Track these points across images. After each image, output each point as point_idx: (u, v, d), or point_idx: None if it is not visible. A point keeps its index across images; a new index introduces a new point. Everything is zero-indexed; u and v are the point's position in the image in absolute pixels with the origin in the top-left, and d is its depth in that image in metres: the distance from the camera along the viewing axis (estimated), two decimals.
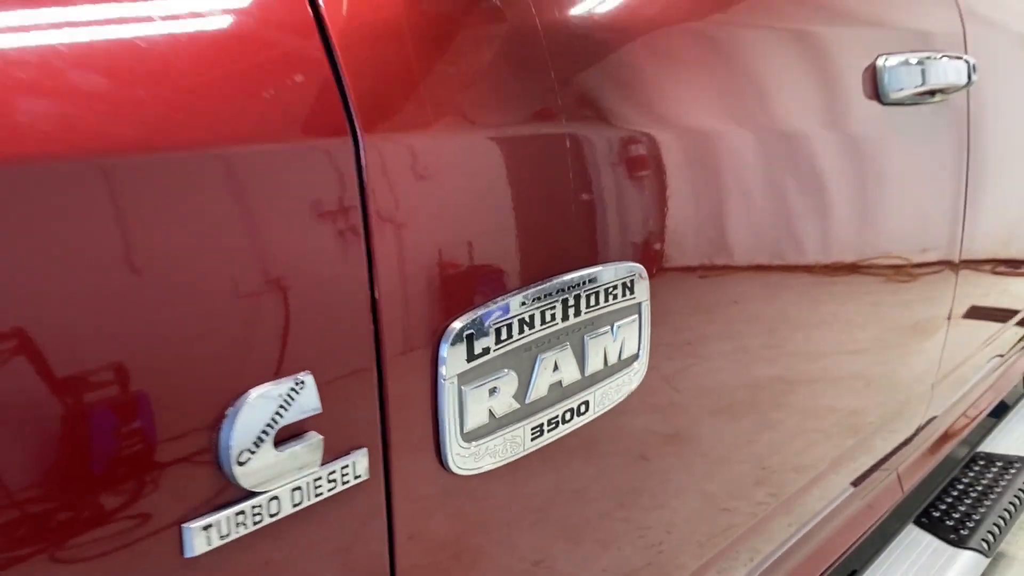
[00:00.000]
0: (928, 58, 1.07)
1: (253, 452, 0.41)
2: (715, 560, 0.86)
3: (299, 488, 0.44)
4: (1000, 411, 2.23)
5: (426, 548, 0.53)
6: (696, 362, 0.74)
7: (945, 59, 1.11)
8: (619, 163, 0.63)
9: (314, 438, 0.44)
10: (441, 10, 0.52)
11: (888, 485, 1.37)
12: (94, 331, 0.36)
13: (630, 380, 0.65)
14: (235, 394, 0.40)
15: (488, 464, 0.55)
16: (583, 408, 0.60)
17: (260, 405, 0.41)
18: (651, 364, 0.66)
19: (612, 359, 0.62)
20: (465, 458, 0.53)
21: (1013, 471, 1.85)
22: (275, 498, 0.43)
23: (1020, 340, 1.92)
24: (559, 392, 0.58)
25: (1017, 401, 2.30)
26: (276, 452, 0.42)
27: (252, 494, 0.42)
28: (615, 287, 0.62)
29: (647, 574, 0.74)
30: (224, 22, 0.43)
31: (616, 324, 0.62)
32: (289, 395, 0.42)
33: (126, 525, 0.38)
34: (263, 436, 0.41)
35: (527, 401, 0.56)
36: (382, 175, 0.46)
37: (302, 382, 0.43)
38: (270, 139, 0.42)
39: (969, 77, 1.15)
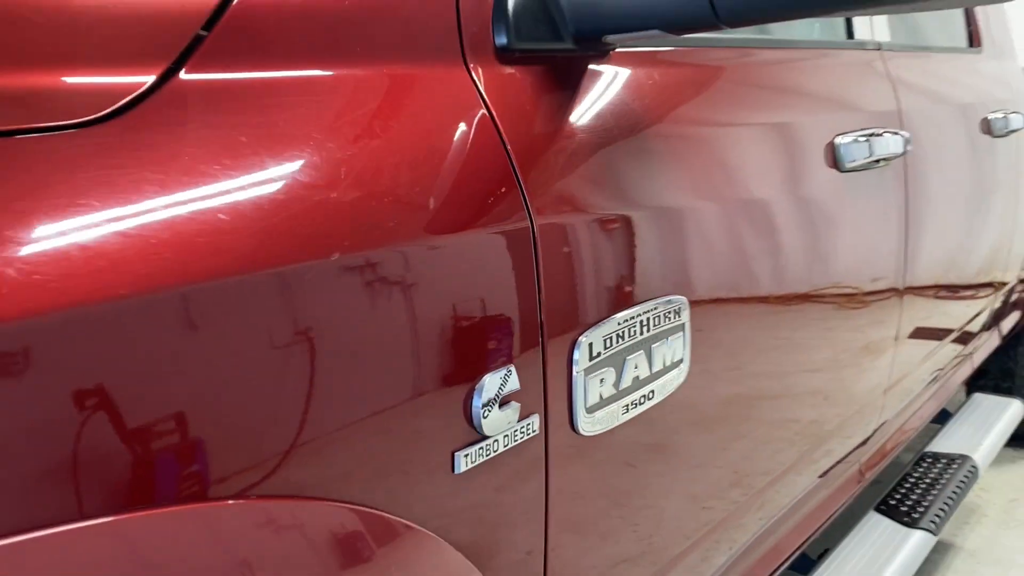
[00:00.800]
0: (872, 135, 1.40)
1: (489, 411, 0.70)
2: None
3: (507, 435, 0.72)
4: (943, 418, 2.58)
5: (565, 479, 0.82)
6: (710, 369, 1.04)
7: (886, 134, 1.44)
8: (661, 231, 0.93)
9: (515, 405, 0.72)
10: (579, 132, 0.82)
11: (850, 476, 1.68)
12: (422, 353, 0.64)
13: (679, 376, 0.94)
14: (480, 377, 0.69)
15: (599, 430, 0.84)
16: (656, 391, 0.90)
17: (492, 383, 0.70)
18: (692, 368, 0.96)
19: (668, 362, 0.92)
20: (587, 424, 0.82)
21: (955, 466, 2.18)
22: (496, 440, 0.71)
23: (957, 356, 2.25)
24: (644, 382, 0.88)
25: (958, 408, 2.65)
26: (499, 411, 0.71)
27: (486, 437, 0.70)
28: (666, 313, 0.91)
29: (699, 502, 1.04)
30: (424, 146, 0.71)
31: (669, 338, 0.92)
32: (504, 378, 0.71)
33: (428, 452, 0.66)
34: (493, 401, 0.70)
35: (620, 388, 0.86)
36: (548, 242, 0.76)
37: (511, 371, 0.72)
38: (484, 227, 0.71)
39: (904, 147, 1.48)
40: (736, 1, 0.77)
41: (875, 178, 1.44)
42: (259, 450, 0.55)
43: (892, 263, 1.54)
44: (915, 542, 1.83)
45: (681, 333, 0.94)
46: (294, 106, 0.63)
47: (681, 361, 0.95)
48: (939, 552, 2.59)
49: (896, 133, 1.45)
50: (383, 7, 0.72)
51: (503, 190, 0.73)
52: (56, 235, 0.47)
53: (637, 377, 0.88)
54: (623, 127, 0.90)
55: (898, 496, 2.01)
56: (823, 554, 1.76)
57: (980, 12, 2.24)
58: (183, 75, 0.58)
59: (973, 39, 2.22)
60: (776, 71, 1.25)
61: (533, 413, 0.75)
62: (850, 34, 1.54)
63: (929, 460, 2.23)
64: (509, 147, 0.75)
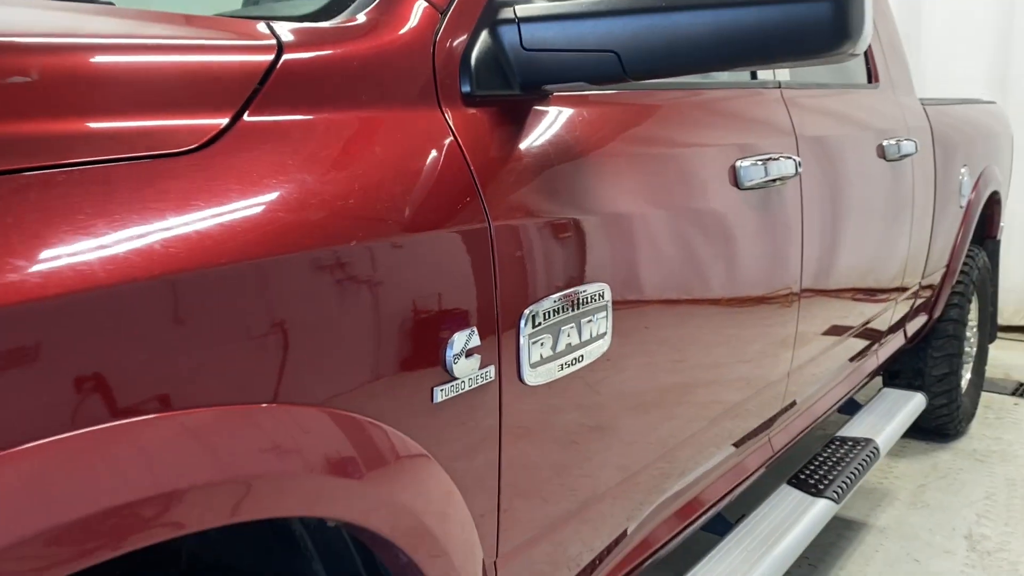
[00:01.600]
0: (769, 159, 1.70)
1: (457, 360, 0.96)
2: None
3: (471, 378, 0.99)
4: (855, 409, 2.90)
5: (515, 417, 1.08)
6: (641, 349, 1.32)
7: (782, 159, 1.75)
8: (590, 232, 1.21)
9: (477, 357, 0.99)
10: (527, 154, 1.10)
11: (761, 446, 1.98)
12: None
13: (602, 344, 1.22)
14: (452, 335, 0.96)
15: (540, 381, 1.11)
16: (592, 352, 1.17)
17: (459, 340, 0.96)
18: (613, 341, 1.23)
19: (593, 334, 1.19)
20: (530, 377, 1.09)
21: (859, 447, 2.49)
22: (463, 381, 0.98)
23: (860, 351, 2.57)
24: (575, 348, 1.15)
25: (868, 401, 2.98)
26: (465, 360, 0.97)
27: (456, 378, 0.97)
28: (593, 296, 1.19)
29: (619, 457, 1.31)
30: (412, 166, 0.98)
31: (595, 316, 1.19)
32: (468, 336, 0.98)
33: (416, 385, 0.92)
34: (460, 353, 0.97)
35: (556, 351, 1.13)
36: (502, 239, 1.03)
37: (473, 331, 0.98)
38: (454, 226, 0.98)
39: (796, 169, 1.78)
40: (639, 64, 1.05)
41: (774, 196, 1.74)
42: (319, 369, 0.81)
43: (789, 268, 1.84)
44: (819, 509, 2.13)
45: (605, 312, 1.21)
46: (320, 138, 0.89)
47: (605, 334, 1.22)
48: (853, 530, 2.91)
49: (790, 158, 1.75)
50: (382, 66, 0.99)
51: (468, 199, 1.00)
52: (183, 220, 0.73)
53: (569, 344, 1.15)
54: (560, 153, 1.18)
55: (808, 471, 2.32)
56: (740, 519, 2.05)
57: (878, 53, 2.58)
58: (246, 118, 0.84)
59: (871, 76, 2.56)
60: (686, 108, 1.54)
61: (490, 364, 1.02)
62: (754, 75, 1.84)
63: (838, 443, 2.54)
64: (472, 169, 1.02)
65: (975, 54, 5.30)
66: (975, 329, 3.86)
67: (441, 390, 0.95)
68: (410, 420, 0.92)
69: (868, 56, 2.55)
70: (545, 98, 1.19)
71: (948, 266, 3.28)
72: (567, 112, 1.23)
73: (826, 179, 1.97)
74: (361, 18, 1.03)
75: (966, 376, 3.79)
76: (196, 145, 0.79)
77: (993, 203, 3.80)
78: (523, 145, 1.12)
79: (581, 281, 1.17)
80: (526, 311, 1.07)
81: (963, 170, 3.23)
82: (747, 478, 1.93)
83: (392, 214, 0.91)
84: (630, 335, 1.29)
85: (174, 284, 0.70)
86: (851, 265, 2.21)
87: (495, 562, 1.12)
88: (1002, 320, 5.43)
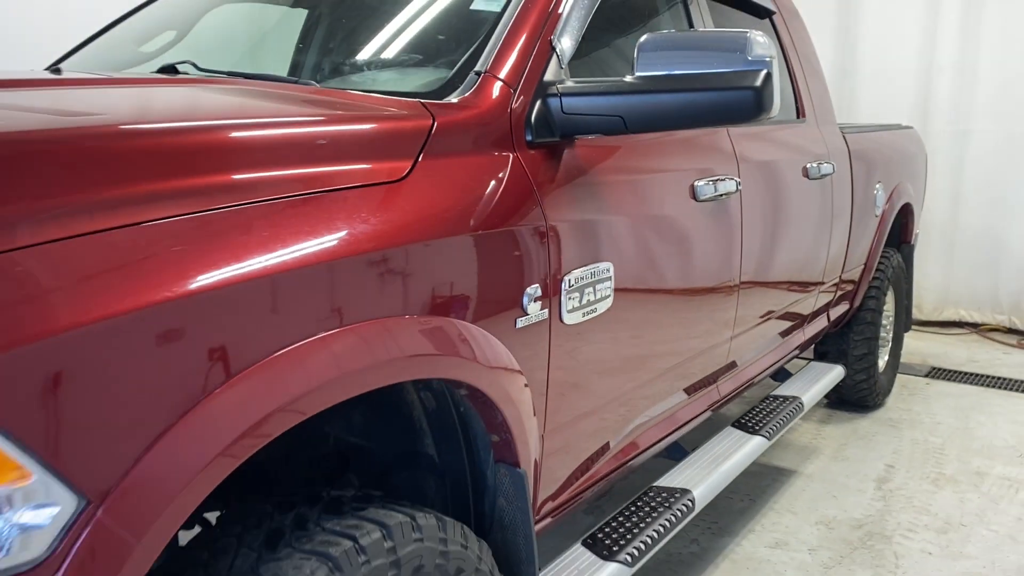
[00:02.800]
0: (718, 180, 2.38)
1: (529, 303, 1.61)
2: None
3: (536, 314, 1.64)
4: (785, 376, 3.61)
5: (557, 343, 1.74)
6: (626, 306, 1.98)
7: (726, 179, 2.42)
8: (604, 228, 1.87)
9: (540, 303, 1.64)
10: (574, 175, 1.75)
11: (710, 391, 2.65)
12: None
13: (607, 302, 1.88)
14: (527, 288, 1.61)
15: (572, 322, 1.76)
16: (601, 305, 1.83)
17: (531, 291, 1.62)
18: (614, 301, 1.89)
19: (603, 295, 1.85)
20: (567, 318, 1.74)
21: (788, 402, 3.18)
22: (532, 316, 1.63)
23: (789, 327, 3.27)
24: (592, 303, 1.81)
25: (799, 370, 3.69)
26: (533, 303, 1.62)
27: (528, 314, 1.62)
28: (603, 269, 1.85)
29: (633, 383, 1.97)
30: (504, 186, 1.63)
31: (605, 283, 1.85)
32: (535, 289, 1.63)
33: (507, 316, 1.57)
34: (531, 298, 1.62)
35: (581, 304, 1.78)
36: (553, 232, 1.68)
37: (537, 287, 1.64)
38: (525, 224, 1.63)
39: (738, 186, 2.46)
40: (636, 124, 1.71)
41: (721, 207, 2.42)
42: (463, 303, 1.46)
43: (731, 265, 2.52)
44: (755, 443, 2.82)
45: (609, 282, 1.88)
46: (456, 170, 1.54)
47: (609, 296, 1.88)
48: (785, 475, 3.61)
49: (732, 178, 2.43)
50: (482, 125, 1.64)
51: (534, 207, 1.66)
52: (386, 225, 1.37)
53: (589, 300, 1.81)
54: (585, 177, 1.84)
55: (747, 417, 3.01)
56: (695, 449, 2.73)
57: (804, 95, 3.29)
58: (420, 160, 1.49)
59: (799, 113, 3.27)
60: (664, 145, 2.21)
61: (546, 308, 1.67)
62: None
63: (772, 399, 3.24)
64: (536, 188, 1.68)
65: (903, 85, 6.08)
66: (892, 319, 4.60)
67: (520, 320, 1.60)
68: (503, 336, 1.57)
69: (797, 97, 3.26)
70: (573, 142, 1.85)
71: (866, 265, 4.01)
72: (588, 151, 1.89)
73: (760, 194, 2.65)
74: (468, 94, 1.68)
75: (884, 358, 4.54)
76: (400, 177, 1.44)
77: (906, 213, 4.55)
78: (563, 172, 1.78)
79: (597, 260, 1.83)
80: (566, 277, 1.73)
81: (878, 186, 3.96)
82: (700, 414, 2.61)
83: (494, 214, 1.56)
84: (624, 299, 1.96)
85: (398, 251, 1.35)
86: (779, 261, 2.90)
87: (542, 435, 1.77)
88: (923, 316, 6.25)
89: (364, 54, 2.08)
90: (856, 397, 4.31)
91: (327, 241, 1.26)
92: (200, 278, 1.06)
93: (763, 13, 3.13)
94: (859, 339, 4.13)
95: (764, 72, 1.69)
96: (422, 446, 1.72)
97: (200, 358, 1.05)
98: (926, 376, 5.08)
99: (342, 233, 1.29)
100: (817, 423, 4.26)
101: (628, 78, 1.74)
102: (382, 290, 1.33)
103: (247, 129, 1.34)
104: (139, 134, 1.19)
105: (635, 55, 1.74)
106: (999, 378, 5.03)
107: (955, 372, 5.15)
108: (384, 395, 1.61)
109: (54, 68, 2.05)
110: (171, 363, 1.03)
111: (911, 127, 5.02)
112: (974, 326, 6.15)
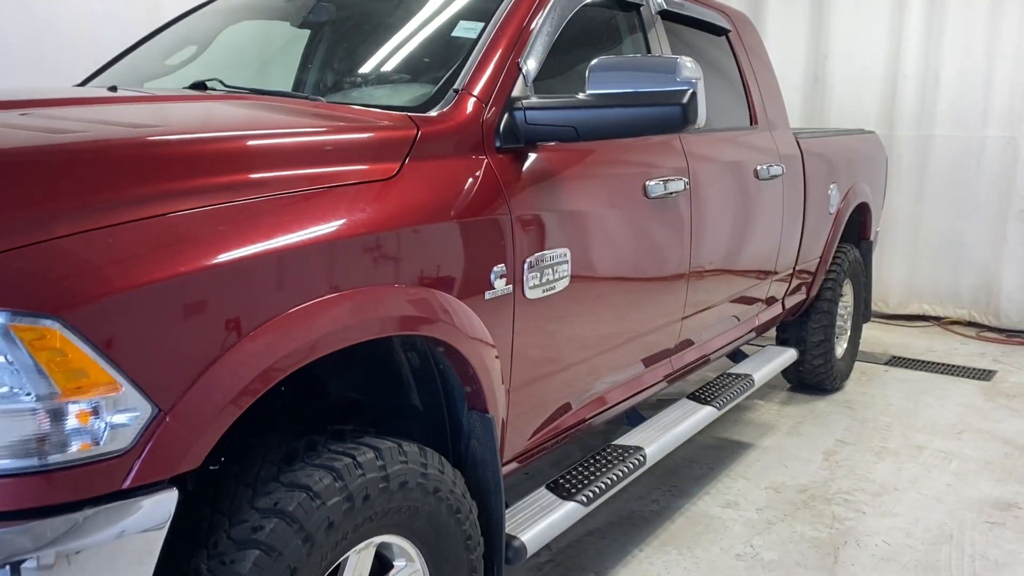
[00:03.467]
0: (668, 179, 2.75)
1: (495, 280, 1.98)
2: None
3: (501, 290, 2.01)
4: (741, 357, 3.98)
5: (520, 314, 2.11)
6: (583, 287, 2.35)
7: (676, 179, 2.79)
8: (561, 219, 2.24)
9: (504, 279, 2.01)
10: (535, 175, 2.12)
11: (663, 364, 3.02)
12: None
13: (565, 282, 2.25)
14: (493, 267, 1.98)
15: (534, 296, 2.13)
16: (558, 284, 2.21)
17: (497, 270, 1.98)
18: (570, 281, 2.26)
19: (560, 275, 2.22)
20: (529, 294, 2.11)
21: (740, 379, 3.56)
22: (498, 290, 2.00)
23: (741, 312, 3.63)
24: (551, 281, 2.18)
25: (754, 352, 4.06)
26: (499, 280, 1.99)
27: (495, 288, 1.99)
28: (560, 253, 2.22)
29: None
30: (476, 183, 2.00)
31: (562, 265, 2.22)
32: (502, 269, 2.00)
33: (477, 290, 1.94)
34: (497, 275, 1.99)
35: (541, 282, 2.15)
36: (516, 221, 2.05)
37: (504, 267, 2.00)
38: (491, 215, 2.00)
39: (686, 186, 2.83)
40: (586, 133, 2.09)
41: (671, 204, 2.78)
42: (441, 278, 1.83)
43: (680, 257, 2.89)
44: (706, 412, 3.20)
45: (566, 264, 2.24)
46: (436, 170, 1.91)
47: (565, 276, 2.25)
48: (742, 448, 3.99)
49: (680, 179, 2.80)
50: (457, 133, 2.01)
51: (500, 201, 2.03)
52: (380, 214, 1.74)
53: (548, 279, 2.18)
54: (545, 177, 2.21)
55: (702, 390, 3.38)
56: (652, 416, 3.10)
57: (758, 104, 3.66)
58: (407, 162, 1.86)
59: (752, 120, 3.64)
60: (617, 149, 2.57)
61: (510, 284, 2.04)
62: None
63: (726, 376, 3.61)
64: (502, 185, 2.05)
65: (871, 93, 6.45)
66: (851, 309, 4.98)
67: (488, 293, 1.97)
68: (474, 305, 1.94)
69: (750, 106, 3.63)
70: (536, 147, 2.21)
71: (821, 258, 4.38)
72: (549, 155, 2.26)
73: (708, 193, 3.02)
74: (446, 108, 2.06)
75: (843, 346, 4.91)
76: (391, 175, 1.81)
77: (863, 212, 4.92)
78: (526, 173, 2.15)
79: (555, 246, 2.20)
80: (528, 258, 2.10)
81: (832, 186, 4.34)
82: (656, 383, 2.98)
83: (468, 206, 1.93)
84: (580, 279, 2.33)
85: (390, 234, 1.72)
86: (728, 253, 3.27)
87: (508, 390, 2.14)
88: (888, 310, 6.63)
89: (361, 73, 2.45)
90: (815, 381, 4.68)
91: (333, 225, 1.63)
92: (241, 251, 1.43)
93: (719, 31, 3.50)
94: (816, 327, 4.51)
95: (690, 91, 2.06)
96: (408, 399, 2.09)
97: (239, 309, 1.42)
98: (885, 364, 5.45)
99: (344, 220, 1.66)
100: (778, 404, 4.63)
101: (580, 95, 2.11)
102: (376, 265, 1.70)
103: (271, 137, 1.72)
104: (193, 142, 1.58)
105: (587, 75, 2.12)
106: (953, 366, 5.41)
107: (913, 360, 5.53)
108: (377, 356, 1.99)
109: (110, 86, 2.41)
110: (218, 312, 1.40)
111: (872, 132, 5.41)
112: (937, 319, 6.53)
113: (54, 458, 1.26)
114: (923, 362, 5.50)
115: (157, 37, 3.07)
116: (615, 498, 3.36)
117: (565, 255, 2.24)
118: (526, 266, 2.10)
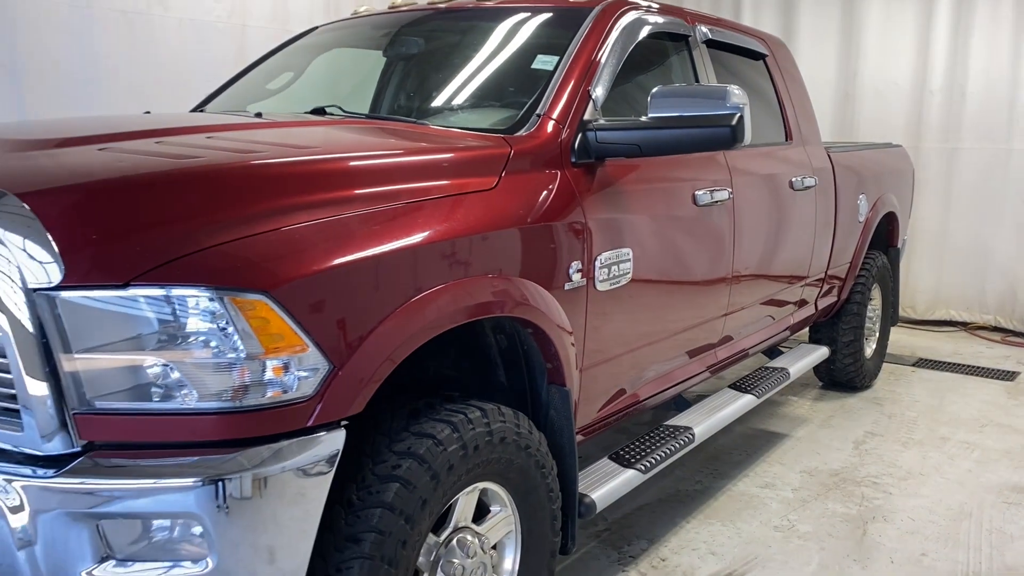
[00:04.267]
0: (714, 190, 3.11)
1: (573, 274, 2.36)
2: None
3: (577, 282, 2.38)
4: (777, 353, 4.32)
5: (592, 304, 2.48)
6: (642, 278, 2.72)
7: (721, 189, 3.16)
8: (627, 223, 2.61)
9: (580, 273, 2.39)
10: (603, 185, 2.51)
11: (707, 355, 3.38)
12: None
13: (628, 277, 2.62)
14: (572, 263, 2.36)
15: (603, 289, 2.50)
16: (623, 279, 2.58)
17: (575, 265, 2.36)
18: (632, 276, 2.64)
19: (624, 270, 2.60)
20: (600, 286, 2.49)
21: (777, 372, 3.90)
22: (575, 282, 2.37)
23: (777, 312, 3.98)
24: (617, 276, 2.55)
25: (789, 348, 4.40)
26: (576, 274, 2.37)
27: (572, 280, 2.36)
28: (624, 252, 2.59)
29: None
30: (556, 193, 2.38)
31: (627, 262, 2.60)
32: (578, 264, 2.37)
33: (561, 281, 2.32)
34: (574, 271, 2.36)
35: (609, 276, 2.52)
36: (589, 225, 2.43)
37: (580, 262, 2.38)
38: (569, 221, 2.38)
39: (730, 195, 3.19)
40: (649, 150, 2.46)
41: (716, 211, 3.15)
42: (531, 269, 2.21)
43: (725, 260, 3.24)
44: (746, 400, 3.55)
45: (630, 261, 2.62)
46: (524, 182, 2.29)
47: (629, 272, 2.62)
48: (777, 438, 4.32)
49: (724, 189, 3.17)
50: (539, 151, 2.39)
51: (576, 207, 2.41)
52: (485, 218, 2.13)
53: (615, 274, 2.55)
54: (613, 186, 2.58)
55: (742, 381, 3.73)
56: (697, 402, 3.46)
57: (792, 121, 4.01)
58: (503, 175, 2.24)
59: (788, 136, 3.99)
60: (672, 163, 2.94)
61: (585, 278, 2.42)
62: None
63: (763, 369, 3.96)
64: (577, 194, 2.43)
65: (899, 108, 6.77)
66: (879, 312, 5.29)
67: (567, 284, 2.35)
68: (556, 294, 2.31)
69: (785, 123, 3.98)
70: (604, 163, 2.59)
71: (851, 263, 4.71)
72: (615, 168, 2.63)
73: (749, 201, 3.38)
74: (531, 129, 2.44)
75: (871, 346, 5.22)
76: (492, 187, 2.19)
77: (891, 221, 5.24)
78: (596, 184, 2.53)
79: (620, 246, 2.57)
80: (599, 256, 2.47)
81: (861, 196, 4.67)
82: (700, 372, 3.34)
83: (550, 212, 2.32)
84: (640, 275, 2.69)
85: (495, 234, 2.10)
86: (766, 256, 3.62)
87: (580, 369, 2.51)
88: (916, 315, 6.92)
89: (454, 99, 2.85)
90: (845, 379, 5.00)
91: (449, 227, 2.02)
92: (389, 245, 1.83)
93: (757, 56, 3.86)
94: (846, 328, 4.83)
95: (738, 115, 2.43)
96: (496, 375, 2.47)
97: (390, 291, 1.81)
98: (912, 365, 5.75)
99: (457, 223, 2.05)
100: (811, 400, 4.95)
101: (643, 118, 2.49)
102: (484, 258, 2.08)
103: (396, 156, 2.13)
104: (346, 160, 1.99)
105: (648, 101, 2.49)
106: (978, 367, 5.69)
107: (939, 362, 5.82)
108: (470, 339, 2.36)
109: (256, 112, 2.82)
110: (375, 292, 1.79)
111: (899, 145, 5.73)
112: (963, 324, 6.80)
113: (256, 402, 1.65)
114: (949, 364, 5.78)
115: (260, 65, 3.49)
116: (663, 478, 3.72)
117: (628, 254, 2.61)
118: (597, 262, 2.47)
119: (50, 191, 1.68)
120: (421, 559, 2.00)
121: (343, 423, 1.76)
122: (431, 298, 1.89)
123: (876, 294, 5.22)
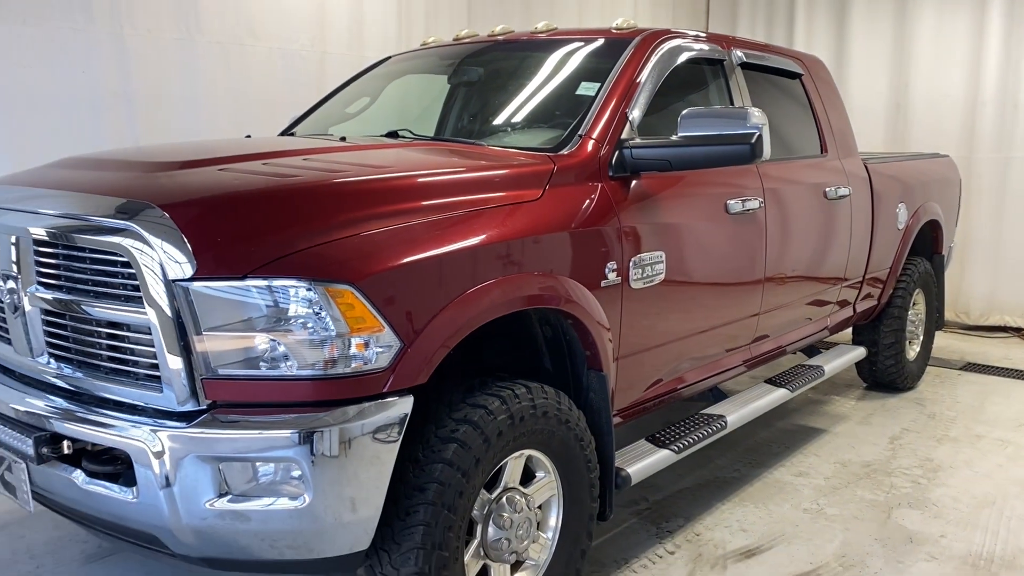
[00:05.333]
0: (745, 199, 3.43)
1: (608, 272, 2.72)
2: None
3: (613, 280, 2.74)
4: (815, 352, 4.59)
5: (627, 301, 2.84)
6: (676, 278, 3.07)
7: (753, 199, 3.47)
8: (660, 228, 2.96)
9: (615, 272, 2.75)
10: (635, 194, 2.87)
11: (742, 350, 3.69)
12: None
13: (660, 277, 2.97)
14: (607, 263, 2.72)
15: (637, 287, 2.86)
16: (656, 279, 2.93)
17: (610, 265, 2.72)
18: (665, 275, 2.98)
19: (657, 271, 2.95)
20: (634, 284, 2.84)
21: (812, 369, 4.18)
22: (611, 280, 2.73)
23: (813, 313, 4.25)
24: (650, 276, 2.90)
25: (828, 348, 4.66)
26: (611, 273, 2.73)
27: (608, 279, 2.72)
28: (657, 254, 2.94)
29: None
30: (595, 202, 2.75)
31: (659, 263, 2.94)
32: (613, 264, 2.73)
33: (596, 278, 2.68)
34: (610, 270, 2.72)
35: (642, 276, 2.88)
36: (624, 230, 2.79)
37: (614, 263, 2.74)
38: (606, 225, 2.74)
39: (761, 203, 3.51)
40: (678, 164, 2.81)
41: (748, 219, 3.46)
42: (565, 264, 2.59)
43: (758, 263, 3.55)
44: (779, 393, 3.84)
45: (662, 262, 2.96)
46: (567, 193, 2.67)
47: (661, 272, 2.97)
48: (816, 433, 4.58)
49: (756, 198, 3.48)
50: (580, 166, 2.77)
51: (611, 215, 2.77)
52: (531, 224, 2.51)
53: (648, 273, 2.90)
54: (646, 197, 2.94)
55: (778, 377, 4.03)
56: (733, 395, 3.77)
57: (828, 135, 4.29)
58: (547, 188, 2.63)
59: (823, 149, 4.27)
60: (709, 176, 3.27)
61: (619, 277, 2.78)
62: None
63: (800, 366, 4.24)
64: (613, 203, 2.79)
65: (951, 118, 6.92)
66: (923, 317, 5.47)
67: (603, 282, 2.71)
68: (593, 291, 2.68)
69: (821, 136, 4.26)
70: (639, 176, 2.95)
71: (891, 268, 4.93)
72: (649, 181, 2.98)
73: (780, 210, 3.68)
74: (573, 148, 2.82)
75: (915, 349, 5.42)
76: (537, 198, 2.58)
77: (935, 229, 5.43)
78: (631, 195, 2.89)
79: (653, 249, 2.92)
80: (633, 257, 2.83)
81: (901, 205, 4.89)
82: (735, 367, 3.65)
83: (589, 219, 2.69)
84: (672, 276, 3.04)
85: (539, 238, 2.48)
86: (799, 261, 3.91)
87: (617, 358, 2.87)
88: (968, 321, 7.04)
89: (507, 121, 3.24)
90: (887, 380, 5.21)
91: (497, 232, 2.41)
92: (451, 246, 2.23)
93: (793, 76, 4.16)
94: (887, 330, 5.05)
95: (757, 133, 2.76)
96: (542, 363, 2.85)
97: (450, 283, 2.21)
98: (960, 369, 5.90)
99: (505, 229, 2.44)
100: (853, 400, 5.18)
101: (673, 137, 2.84)
102: (531, 258, 2.46)
103: (455, 173, 2.53)
104: (417, 176, 2.41)
105: (678, 122, 2.84)
106: None
107: (987, 367, 5.96)
108: (521, 331, 2.74)
109: (341, 136, 3.26)
110: (438, 285, 2.18)
111: (947, 155, 5.90)
112: (1017, 331, 6.89)
113: (342, 371, 2.06)
114: (997, 368, 5.92)
115: (341, 92, 3.96)
116: (702, 465, 4.03)
117: (661, 256, 2.96)
118: (631, 263, 2.83)
119: (184, 203, 2.13)
120: (475, 512, 2.39)
121: (410, 392, 2.16)
122: (483, 291, 2.28)
123: (920, 299, 5.41)
